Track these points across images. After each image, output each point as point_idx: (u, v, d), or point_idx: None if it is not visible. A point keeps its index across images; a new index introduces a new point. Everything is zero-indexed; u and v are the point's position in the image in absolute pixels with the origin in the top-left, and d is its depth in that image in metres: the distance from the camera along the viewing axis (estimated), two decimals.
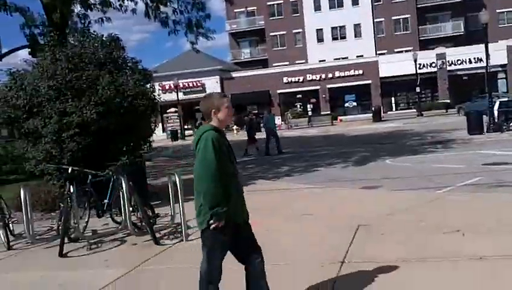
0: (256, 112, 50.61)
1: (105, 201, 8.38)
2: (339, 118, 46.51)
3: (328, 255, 5.81)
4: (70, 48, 10.70)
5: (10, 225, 8.34)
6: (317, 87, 52.05)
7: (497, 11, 55.27)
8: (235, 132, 44.55)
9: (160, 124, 39.32)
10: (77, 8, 16.38)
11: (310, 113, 48.88)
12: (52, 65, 10.25)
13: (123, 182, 7.65)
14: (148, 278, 5.85)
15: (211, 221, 3.78)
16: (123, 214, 7.81)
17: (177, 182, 7.47)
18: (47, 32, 14.94)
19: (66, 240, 7.25)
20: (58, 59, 10.35)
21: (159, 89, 11.70)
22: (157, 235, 7.46)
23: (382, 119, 41.79)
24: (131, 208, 7.72)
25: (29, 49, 25.35)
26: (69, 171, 7.99)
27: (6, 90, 10.32)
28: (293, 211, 8.84)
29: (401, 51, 54.64)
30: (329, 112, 49.43)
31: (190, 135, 48.26)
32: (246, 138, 22.75)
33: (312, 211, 8.39)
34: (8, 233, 7.99)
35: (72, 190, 7.52)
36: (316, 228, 7.30)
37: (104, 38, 11.15)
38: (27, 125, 10.00)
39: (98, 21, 17.15)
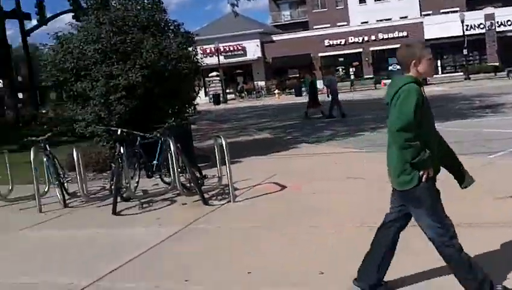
0: (297, 75, 50.25)
1: (154, 162, 8.57)
2: (383, 81, 45.55)
3: (375, 217, 5.75)
4: (114, 11, 10.72)
5: (65, 184, 8.63)
6: (360, 50, 51.04)
7: None
8: (276, 96, 44.36)
9: (202, 88, 39.48)
10: None
11: (352, 76, 48.10)
12: (96, 28, 10.31)
13: (171, 143, 7.73)
14: (201, 236, 5.95)
15: (420, 172, 3.49)
16: (172, 175, 7.95)
17: (224, 145, 7.54)
18: None
19: (118, 199, 7.46)
20: (102, 22, 10.39)
21: (200, 53, 11.65)
22: (206, 195, 7.57)
23: (428, 82, 40.70)
24: (179, 169, 7.81)
25: (73, 13, 25.63)
26: (118, 132, 8.14)
27: (54, 54, 10.44)
28: (338, 174, 8.79)
29: (447, 12, 52.56)
30: (372, 76, 48.50)
31: (232, 99, 48.43)
32: (307, 101, 22.76)
33: (360, 175, 8.31)
34: (64, 192, 8.30)
35: (122, 151, 7.69)
36: (364, 191, 7.25)
37: (145, 1, 11.15)
38: (75, 88, 10.13)
39: None
